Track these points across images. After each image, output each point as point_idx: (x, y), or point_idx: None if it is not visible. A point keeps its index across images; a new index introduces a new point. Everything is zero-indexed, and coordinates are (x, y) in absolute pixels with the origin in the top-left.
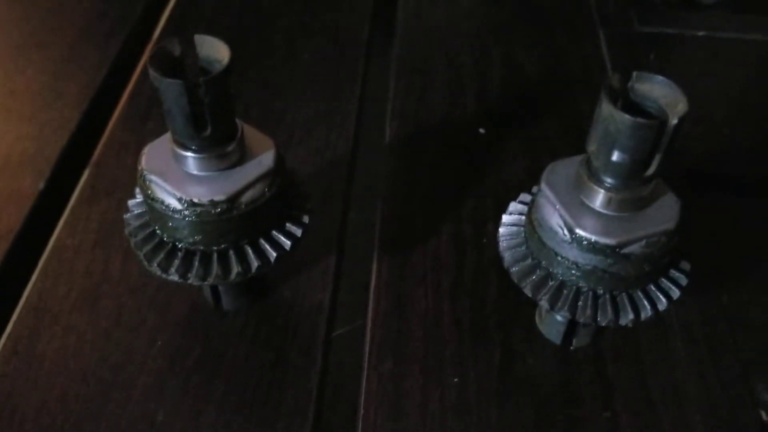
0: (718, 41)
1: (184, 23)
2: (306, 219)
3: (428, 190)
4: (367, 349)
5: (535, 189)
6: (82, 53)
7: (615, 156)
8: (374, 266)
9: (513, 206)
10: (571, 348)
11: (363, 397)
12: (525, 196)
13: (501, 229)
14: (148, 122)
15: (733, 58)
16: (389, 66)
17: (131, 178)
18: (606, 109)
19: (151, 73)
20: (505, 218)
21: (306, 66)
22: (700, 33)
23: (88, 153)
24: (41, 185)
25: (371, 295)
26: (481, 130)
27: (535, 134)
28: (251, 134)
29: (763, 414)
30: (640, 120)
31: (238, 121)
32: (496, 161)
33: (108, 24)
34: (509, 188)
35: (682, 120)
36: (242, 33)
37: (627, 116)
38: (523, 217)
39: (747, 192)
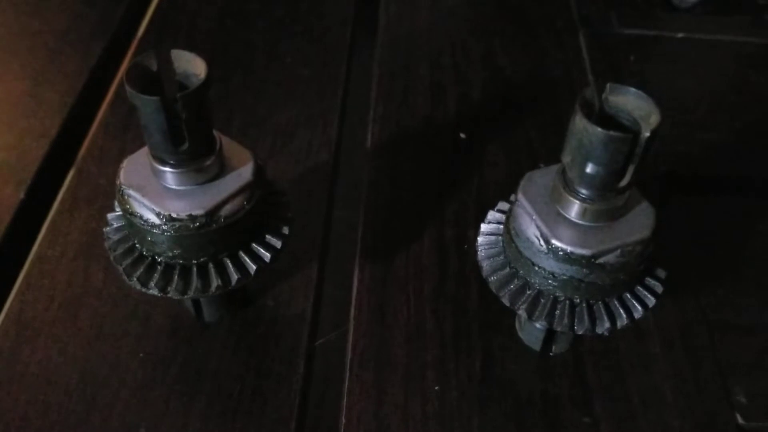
0: (697, 42)
1: (165, 27)
2: (286, 230)
3: (410, 195)
4: (348, 356)
5: (513, 197)
6: (63, 59)
7: (589, 168)
8: (356, 273)
9: (491, 215)
10: (551, 354)
11: (345, 404)
12: (503, 205)
13: (479, 238)
14: (129, 129)
15: (711, 59)
16: (371, 69)
17: (113, 186)
18: (579, 122)
19: (128, 89)
20: (483, 227)
21: (288, 69)
22: (679, 35)
23: (69, 161)
24: (21, 195)
25: (353, 303)
26: (462, 135)
27: (516, 137)
28: (230, 147)
29: (739, 417)
30: (612, 133)
31: (216, 133)
32: (477, 166)
33: (88, 28)
34: (491, 193)
35: (654, 132)
36: (223, 36)
37: (600, 129)
38: (501, 226)
39: (725, 192)
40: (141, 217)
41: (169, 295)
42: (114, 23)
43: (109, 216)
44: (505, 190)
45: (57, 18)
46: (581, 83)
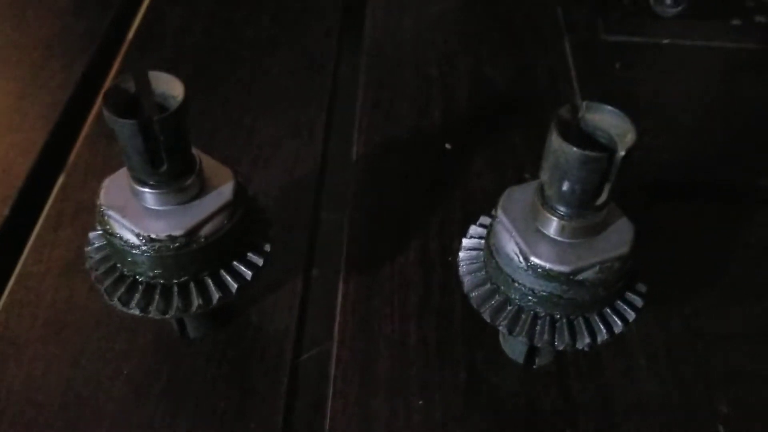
0: (682, 49)
1: (150, 40)
2: (267, 248)
3: (395, 206)
4: (332, 371)
5: (493, 212)
6: (48, 72)
7: (565, 186)
8: (340, 286)
9: (473, 229)
10: (534, 367)
11: (329, 420)
12: (485, 219)
13: (461, 253)
14: (115, 143)
15: (697, 65)
16: (357, 79)
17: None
18: (555, 141)
19: (105, 113)
20: (465, 242)
21: (273, 80)
22: (665, 41)
23: (55, 176)
24: (6, 211)
25: (337, 316)
26: (448, 146)
27: (502, 147)
28: (210, 165)
29: (721, 428)
30: (588, 153)
31: (196, 152)
32: (462, 176)
33: (73, 41)
34: (476, 203)
35: (630, 151)
36: (209, 48)
37: (575, 149)
38: (483, 241)
39: (711, 199)
40: (121, 238)
41: (150, 315)
42: (99, 36)
43: (91, 235)
44: (491, 200)
45: (42, 31)
46: (567, 91)
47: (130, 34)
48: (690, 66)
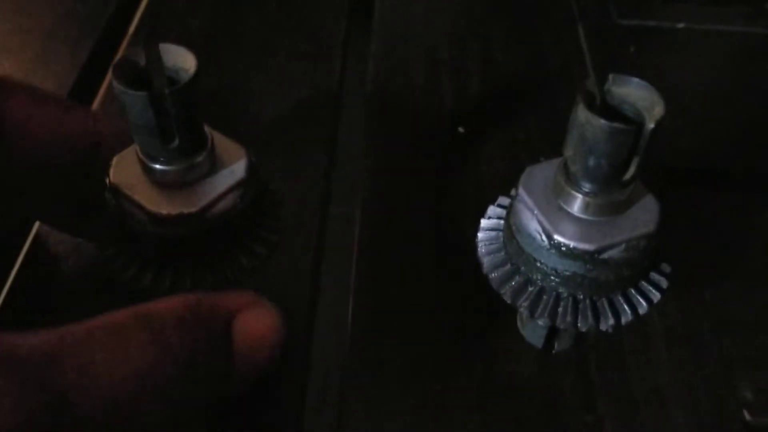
0: (698, 33)
1: (156, 23)
2: (280, 227)
3: (408, 190)
4: (346, 357)
5: (513, 192)
6: (52, 57)
7: (592, 161)
8: (353, 272)
9: (491, 210)
10: (553, 351)
11: (341, 407)
12: (503, 200)
13: (479, 234)
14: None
15: (713, 50)
16: (367, 64)
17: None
18: (582, 114)
19: (115, 85)
20: (483, 222)
21: (282, 65)
22: (680, 25)
23: None
24: None
25: (350, 301)
26: (460, 129)
27: (515, 131)
28: (222, 143)
29: (746, 413)
30: (616, 125)
31: (208, 129)
32: (476, 160)
33: (78, 26)
34: (490, 187)
35: (659, 124)
36: (215, 33)
37: (603, 121)
38: (502, 222)
39: (728, 185)
40: (131, 216)
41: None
42: (104, 20)
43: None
44: (505, 184)
45: (46, 16)
46: (580, 75)
47: (135, 20)
48: (705, 50)
